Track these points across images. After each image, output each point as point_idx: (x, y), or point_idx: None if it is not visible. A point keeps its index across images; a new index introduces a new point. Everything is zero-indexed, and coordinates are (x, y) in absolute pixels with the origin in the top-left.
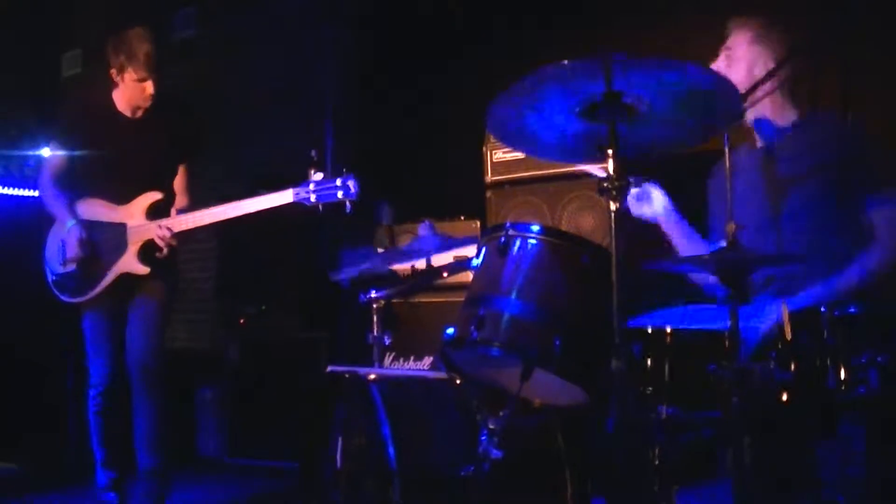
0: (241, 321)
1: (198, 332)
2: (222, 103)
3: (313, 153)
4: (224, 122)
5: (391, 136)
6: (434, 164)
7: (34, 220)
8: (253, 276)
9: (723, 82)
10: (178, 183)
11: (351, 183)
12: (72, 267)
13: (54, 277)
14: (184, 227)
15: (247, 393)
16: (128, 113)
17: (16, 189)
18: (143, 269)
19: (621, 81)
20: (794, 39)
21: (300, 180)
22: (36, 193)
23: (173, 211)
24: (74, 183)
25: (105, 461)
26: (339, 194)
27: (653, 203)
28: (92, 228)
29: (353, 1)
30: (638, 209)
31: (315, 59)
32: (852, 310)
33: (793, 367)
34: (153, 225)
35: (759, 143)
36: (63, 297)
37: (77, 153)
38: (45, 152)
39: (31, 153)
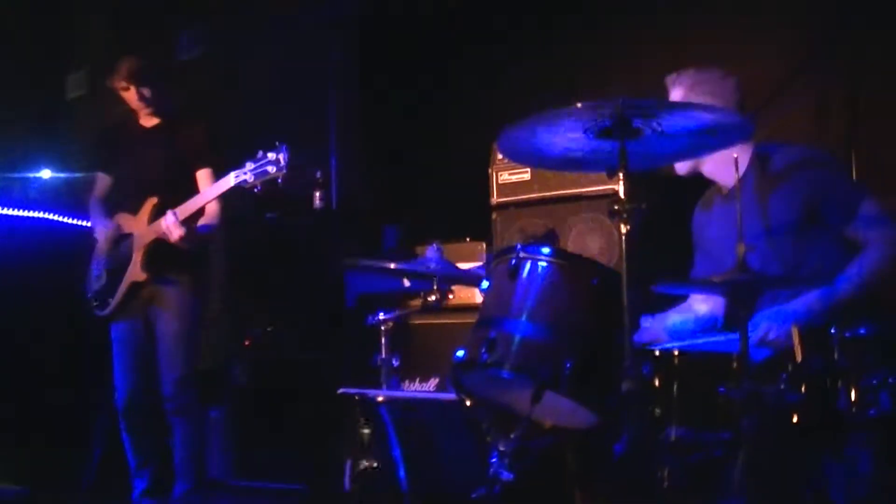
0: (247, 342)
1: (204, 352)
2: (226, 122)
3: (318, 174)
4: (228, 141)
5: (397, 158)
6: (440, 186)
7: (38, 241)
8: (259, 297)
9: (728, 116)
10: (202, 186)
11: (282, 156)
12: (104, 281)
13: (91, 294)
14: (189, 211)
15: (254, 414)
16: (145, 124)
17: (20, 210)
18: (142, 276)
19: (631, 111)
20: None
21: (308, 198)
22: (40, 215)
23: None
24: (111, 201)
25: (137, 471)
26: (271, 169)
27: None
28: (117, 241)
29: (357, 21)
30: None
31: (320, 81)
32: (863, 331)
33: (803, 388)
34: (154, 225)
35: (724, 189)
36: (97, 313)
37: (106, 171)
38: (45, 174)
39: (35, 176)
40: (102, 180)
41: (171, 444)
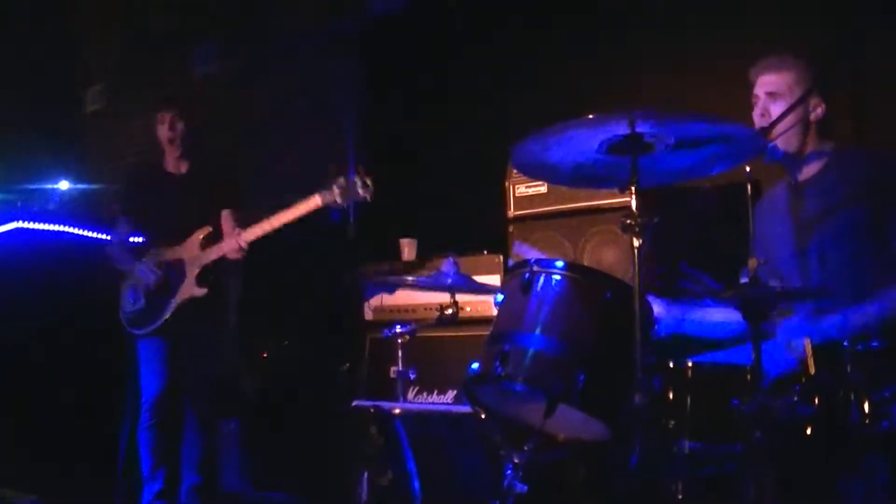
0: (264, 355)
1: (220, 364)
2: (243, 135)
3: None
4: (246, 153)
5: (413, 170)
6: (456, 199)
7: (58, 252)
8: (274, 310)
9: (742, 128)
10: (225, 224)
11: (369, 180)
12: (141, 304)
13: (125, 315)
14: (253, 237)
15: (268, 427)
16: (173, 171)
17: (39, 224)
18: (202, 291)
19: (644, 125)
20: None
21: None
22: (58, 228)
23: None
24: (146, 236)
25: (151, 475)
26: (361, 192)
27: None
28: (159, 266)
29: (370, 35)
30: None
31: (333, 95)
32: (875, 344)
33: (816, 401)
34: (208, 250)
35: (790, 179)
36: (133, 330)
37: (136, 213)
38: (63, 185)
39: (53, 188)
40: (125, 224)
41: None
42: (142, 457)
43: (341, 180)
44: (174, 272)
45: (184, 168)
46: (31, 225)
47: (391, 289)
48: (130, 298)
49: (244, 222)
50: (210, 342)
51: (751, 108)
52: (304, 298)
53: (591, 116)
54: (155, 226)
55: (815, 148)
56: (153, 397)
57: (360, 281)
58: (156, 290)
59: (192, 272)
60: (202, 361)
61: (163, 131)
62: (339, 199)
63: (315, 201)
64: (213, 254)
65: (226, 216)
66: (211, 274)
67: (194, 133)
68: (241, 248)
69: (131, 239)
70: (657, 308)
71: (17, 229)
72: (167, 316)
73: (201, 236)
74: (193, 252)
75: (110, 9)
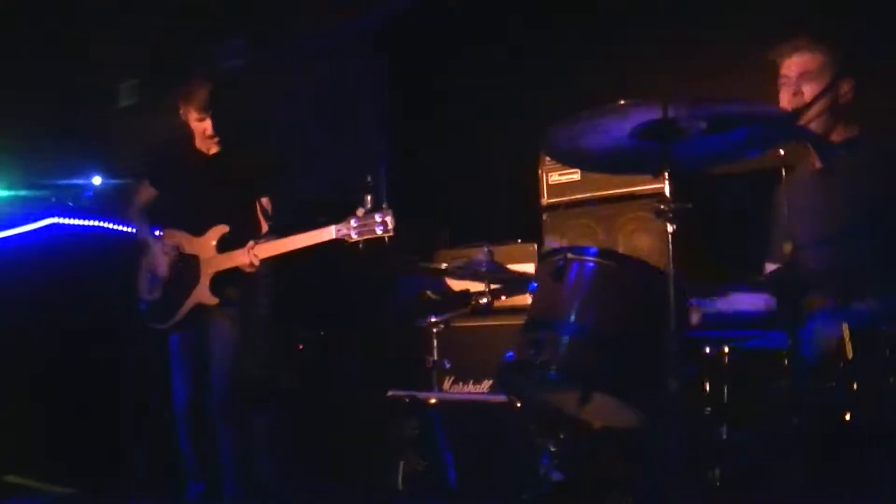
0: (300, 347)
1: (256, 357)
2: (272, 132)
3: (368, 178)
4: (275, 150)
5: (446, 159)
6: (490, 187)
7: (92, 248)
8: (310, 302)
9: (774, 110)
10: (261, 213)
11: (388, 219)
12: (158, 294)
13: (145, 306)
14: (267, 255)
15: (306, 418)
16: (203, 150)
17: (73, 219)
18: (213, 300)
19: (676, 109)
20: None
21: (355, 205)
22: (94, 223)
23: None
24: (159, 214)
25: (193, 474)
26: (378, 230)
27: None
28: (175, 256)
29: (399, 27)
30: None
31: (366, 84)
32: None
33: (854, 387)
34: (226, 256)
35: (818, 163)
36: (153, 325)
37: (161, 188)
38: (97, 180)
39: (87, 183)
40: (147, 190)
41: (219, 451)
42: (185, 459)
43: (360, 213)
44: (188, 267)
45: (214, 149)
46: (65, 221)
47: (425, 278)
48: (148, 285)
49: (278, 213)
50: (223, 347)
51: (775, 93)
52: (338, 289)
53: (622, 102)
54: (177, 205)
55: (843, 131)
56: (185, 406)
57: (396, 270)
58: (170, 280)
59: (206, 276)
60: (217, 367)
61: (193, 110)
62: (353, 235)
63: (329, 233)
64: (227, 262)
65: (263, 204)
66: (225, 283)
67: (225, 116)
68: (252, 265)
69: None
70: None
71: (51, 225)
72: (179, 318)
73: (219, 236)
74: (209, 252)
75: (142, 5)
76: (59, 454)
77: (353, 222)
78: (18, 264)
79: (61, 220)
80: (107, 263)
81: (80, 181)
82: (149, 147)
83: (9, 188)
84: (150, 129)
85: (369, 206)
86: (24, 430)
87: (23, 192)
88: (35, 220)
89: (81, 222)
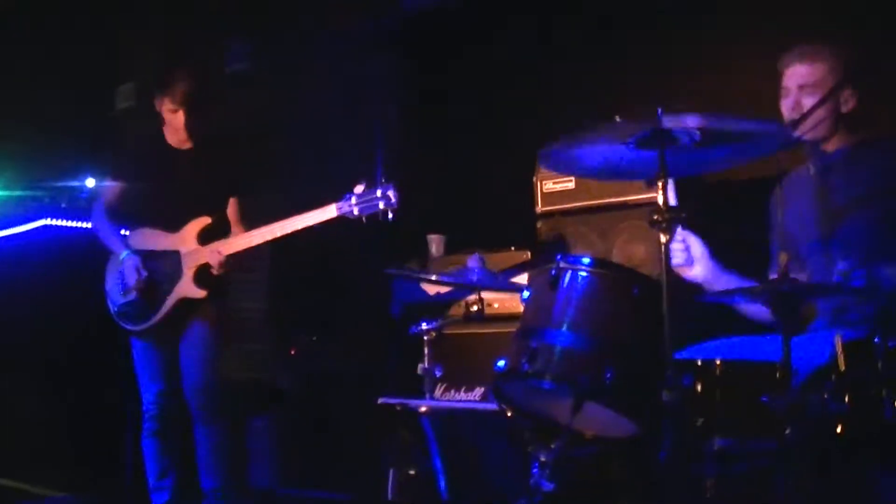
0: (293, 351)
1: (249, 361)
2: (277, 134)
3: (363, 184)
4: (278, 152)
5: (442, 167)
6: (484, 195)
7: (85, 250)
8: (304, 307)
9: (770, 124)
10: (231, 213)
11: (391, 193)
12: (132, 296)
13: (116, 308)
14: (234, 249)
15: (299, 423)
16: (175, 144)
17: (67, 221)
18: (201, 293)
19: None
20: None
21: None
22: (87, 225)
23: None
24: (127, 213)
25: (157, 485)
26: (381, 205)
27: (694, 261)
28: (147, 257)
29: (403, 34)
30: (681, 269)
31: (366, 90)
32: None
33: (847, 398)
34: (206, 249)
35: (812, 168)
36: (127, 326)
37: (129, 184)
38: (90, 182)
39: (80, 185)
40: (113, 191)
41: (194, 453)
42: (147, 466)
43: (360, 189)
44: (167, 265)
45: (187, 144)
46: (58, 222)
47: (418, 285)
48: (120, 288)
49: (253, 214)
50: (212, 342)
51: (777, 99)
52: (332, 294)
53: (617, 119)
54: (148, 201)
55: (842, 138)
56: (153, 406)
57: (389, 276)
58: (143, 282)
59: (190, 269)
60: (204, 363)
61: (168, 100)
62: (356, 211)
63: (330, 211)
64: (203, 256)
65: (232, 205)
66: (211, 274)
67: (200, 111)
68: (220, 265)
69: (117, 211)
70: (696, 248)
71: (44, 226)
72: (161, 316)
73: (200, 227)
74: (190, 245)
75: (143, 6)
76: (54, 458)
77: (354, 199)
78: (10, 265)
79: (54, 222)
80: (100, 265)
81: (75, 183)
82: (132, 146)
83: (4, 189)
84: (147, 132)
85: (355, 188)
86: (18, 434)
87: (17, 193)
88: (28, 222)
89: (74, 224)
